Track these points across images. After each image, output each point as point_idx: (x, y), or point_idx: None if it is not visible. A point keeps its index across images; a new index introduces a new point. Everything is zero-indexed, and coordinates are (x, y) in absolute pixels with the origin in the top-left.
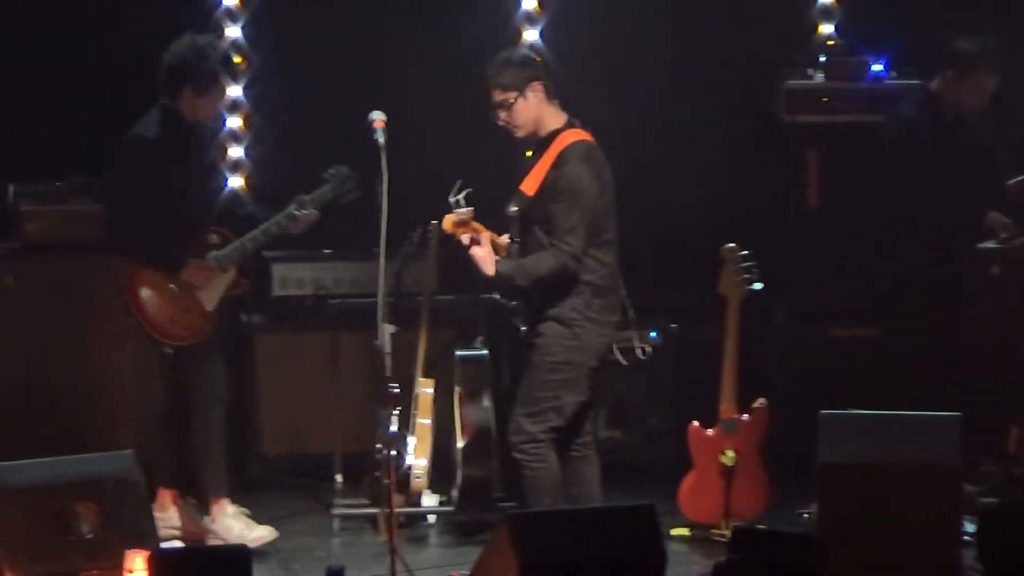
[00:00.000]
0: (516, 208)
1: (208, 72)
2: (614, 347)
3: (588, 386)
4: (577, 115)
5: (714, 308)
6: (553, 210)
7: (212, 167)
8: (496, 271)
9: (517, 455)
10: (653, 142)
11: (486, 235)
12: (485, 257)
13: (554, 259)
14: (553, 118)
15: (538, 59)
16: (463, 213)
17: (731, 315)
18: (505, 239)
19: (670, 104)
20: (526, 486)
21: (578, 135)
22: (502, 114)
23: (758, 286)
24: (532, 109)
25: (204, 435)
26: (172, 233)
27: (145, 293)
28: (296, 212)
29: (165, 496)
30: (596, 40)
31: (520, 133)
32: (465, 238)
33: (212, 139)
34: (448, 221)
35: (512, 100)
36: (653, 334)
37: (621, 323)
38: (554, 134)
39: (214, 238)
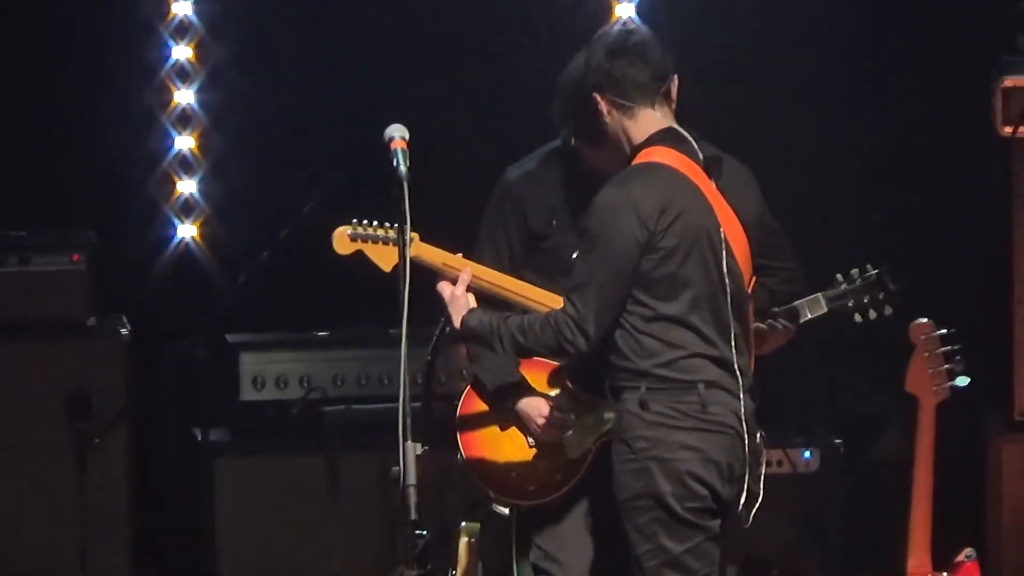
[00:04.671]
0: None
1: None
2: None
3: (699, 521)
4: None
5: (899, 414)
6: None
7: None
8: (463, 322)
9: None
10: (813, 167)
11: (467, 271)
12: (452, 301)
13: (547, 324)
14: (637, 130)
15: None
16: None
17: (924, 424)
18: None
19: (840, 117)
20: None
21: (657, 153)
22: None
23: (964, 381)
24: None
25: None
26: None
27: (471, 426)
28: None
29: None
30: (727, 31)
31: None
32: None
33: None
34: (339, 237)
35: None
36: (807, 453)
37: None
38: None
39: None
